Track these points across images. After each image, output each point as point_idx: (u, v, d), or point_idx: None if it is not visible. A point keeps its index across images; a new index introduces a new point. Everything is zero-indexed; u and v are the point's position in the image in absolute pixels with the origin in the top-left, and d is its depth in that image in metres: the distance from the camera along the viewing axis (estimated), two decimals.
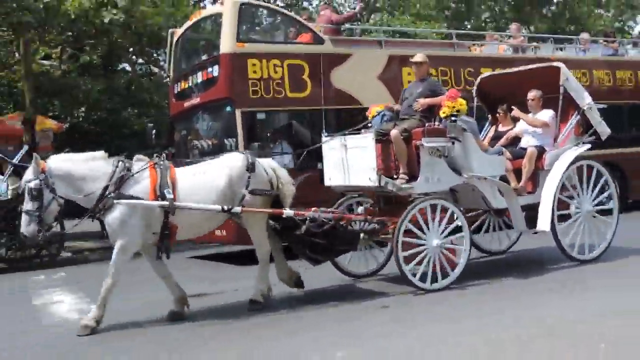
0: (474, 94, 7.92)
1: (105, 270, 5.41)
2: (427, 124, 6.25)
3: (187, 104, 9.46)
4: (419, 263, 5.87)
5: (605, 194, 7.13)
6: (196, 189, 5.62)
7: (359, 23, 14.83)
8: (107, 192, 5.34)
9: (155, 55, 16.92)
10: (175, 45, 10.15)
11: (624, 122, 11.77)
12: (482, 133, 7.75)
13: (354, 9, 15.93)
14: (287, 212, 5.76)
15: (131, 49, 15.73)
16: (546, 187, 6.67)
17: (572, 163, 6.83)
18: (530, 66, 7.59)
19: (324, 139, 7.28)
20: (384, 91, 9.20)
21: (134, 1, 11.72)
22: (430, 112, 6.33)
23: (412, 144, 6.15)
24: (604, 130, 7.04)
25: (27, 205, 5.31)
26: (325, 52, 8.96)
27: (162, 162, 5.71)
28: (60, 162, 5.52)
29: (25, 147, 6.37)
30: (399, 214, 5.96)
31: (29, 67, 12.79)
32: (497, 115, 7.65)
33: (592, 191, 6.96)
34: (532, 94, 7.02)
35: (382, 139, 6.28)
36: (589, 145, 7.13)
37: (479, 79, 8.05)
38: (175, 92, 10.06)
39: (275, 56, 8.71)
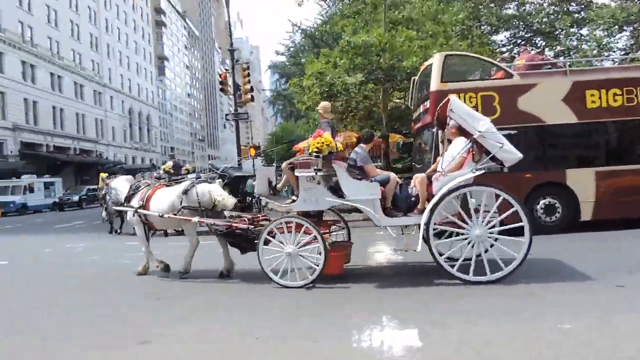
0: (434, 122, 7.82)
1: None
2: (300, 160, 6.66)
3: (416, 126, 11.81)
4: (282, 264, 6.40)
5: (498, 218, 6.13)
6: (159, 202, 7.32)
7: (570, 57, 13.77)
8: (124, 201, 7.72)
9: None
10: (413, 86, 12.26)
11: None
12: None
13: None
14: (194, 219, 7.01)
15: None
16: (425, 212, 6.16)
17: (458, 189, 6.08)
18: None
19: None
20: (567, 111, 9.69)
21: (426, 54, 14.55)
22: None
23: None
24: (506, 157, 6.08)
25: (102, 202, 8.38)
26: (514, 84, 9.95)
27: (151, 184, 7.75)
28: (113, 182, 8.12)
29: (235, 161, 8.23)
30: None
31: (386, 103, 16.90)
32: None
33: (485, 216, 6.05)
34: (450, 124, 6.57)
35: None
36: (481, 172, 6.17)
37: (437, 108, 7.48)
38: (413, 117, 12.34)
39: (471, 90, 9.96)
